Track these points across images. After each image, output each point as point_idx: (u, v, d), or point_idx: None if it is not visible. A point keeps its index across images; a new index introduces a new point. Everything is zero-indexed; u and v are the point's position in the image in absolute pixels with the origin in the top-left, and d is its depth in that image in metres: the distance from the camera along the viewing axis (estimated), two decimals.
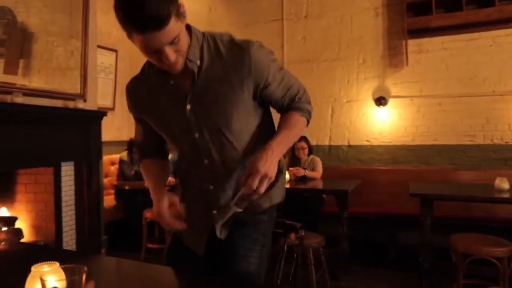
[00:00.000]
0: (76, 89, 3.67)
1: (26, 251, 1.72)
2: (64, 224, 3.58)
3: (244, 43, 1.24)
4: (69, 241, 3.63)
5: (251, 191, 1.12)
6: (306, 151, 4.10)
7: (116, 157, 4.83)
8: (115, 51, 5.37)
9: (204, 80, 1.23)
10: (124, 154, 4.68)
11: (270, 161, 1.15)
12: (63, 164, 3.57)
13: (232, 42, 1.25)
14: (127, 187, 4.38)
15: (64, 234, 3.57)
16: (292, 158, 4.16)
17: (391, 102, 4.39)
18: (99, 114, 3.87)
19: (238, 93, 1.24)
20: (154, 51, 1.09)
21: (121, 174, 4.66)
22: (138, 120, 1.48)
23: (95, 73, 4.02)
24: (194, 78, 1.23)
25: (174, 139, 1.36)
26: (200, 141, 1.27)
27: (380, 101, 4.37)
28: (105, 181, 4.65)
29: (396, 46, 4.37)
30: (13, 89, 3.04)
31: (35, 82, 3.28)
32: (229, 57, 1.23)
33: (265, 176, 1.13)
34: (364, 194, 4.10)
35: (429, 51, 4.23)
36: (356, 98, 4.56)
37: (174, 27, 1.05)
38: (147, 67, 1.35)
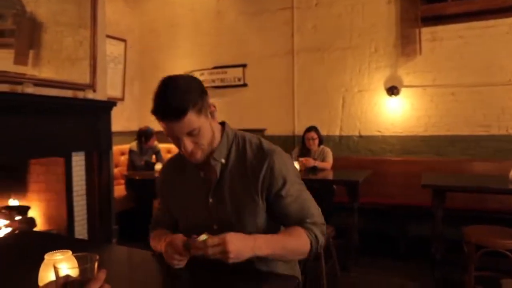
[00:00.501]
0: (86, 79, 3.70)
1: (39, 239, 1.76)
2: (75, 214, 3.64)
3: (269, 150, 1.33)
4: (80, 230, 3.70)
5: (202, 249, 1.12)
6: (317, 141, 4.09)
7: (126, 147, 4.88)
8: (124, 40, 5.39)
9: (228, 179, 1.33)
10: (133, 144, 4.71)
11: (242, 251, 1.14)
12: (74, 154, 3.62)
13: (259, 147, 1.34)
14: (137, 177, 4.42)
15: (75, 224, 3.64)
16: (303, 148, 4.16)
17: (403, 91, 4.34)
18: (108, 104, 3.91)
19: (256, 201, 1.30)
20: (175, 138, 1.24)
21: (131, 164, 4.70)
22: (161, 196, 1.53)
23: (105, 63, 4.04)
24: (217, 175, 1.33)
25: (189, 226, 1.38)
26: (217, 233, 1.27)
27: (392, 90, 4.33)
28: (115, 171, 4.70)
29: (409, 35, 4.31)
30: (23, 80, 3.08)
31: (45, 72, 3.32)
32: (253, 162, 1.31)
33: (225, 255, 1.11)
34: (375, 185, 4.09)
35: (444, 39, 4.17)
36: (367, 87, 4.53)
37: (193, 120, 1.19)
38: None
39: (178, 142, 1.25)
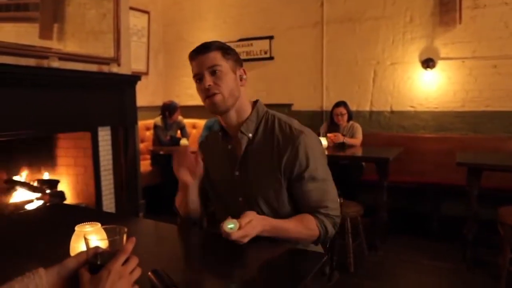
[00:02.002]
0: (110, 53, 3.77)
1: (69, 212, 1.85)
2: (103, 188, 3.79)
3: (298, 130, 1.37)
4: (108, 205, 3.85)
5: (226, 235, 1.16)
6: (346, 117, 4.06)
7: (151, 122, 4.97)
8: (147, 12, 5.42)
9: (253, 153, 1.39)
10: (158, 120, 4.79)
11: (252, 232, 1.19)
12: (100, 128, 3.73)
13: (289, 127, 1.39)
14: (162, 152, 4.51)
15: (103, 198, 3.79)
16: (331, 124, 4.13)
17: (439, 64, 4.21)
18: (133, 78, 3.98)
19: (279, 178, 1.35)
20: (199, 78, 1.35)
21: (156, 139, 4.80)
22: None
23: (128, 36, 4.10)
24: (242, 148, 1.40)
25: (219, 199, 1.51)
26: (242, 205, 1.36)
27: (428, 63, 4.20)
28: (141, 146, 4.82)
29: (448, 2, 4.12)
30: (49, 54, 3.17)
31: (70, 46, 3.40)
32: (280, 140, 1.36)
33: (242, 239, 1.16)
34: (406, 162, 4.04)
35: (487, 6, 3.98)
36: (401, 60, 4.41)
37: (217, 58, 1.33)
38: (219, 129, 1.50)
39: (200, 84, 1.35)
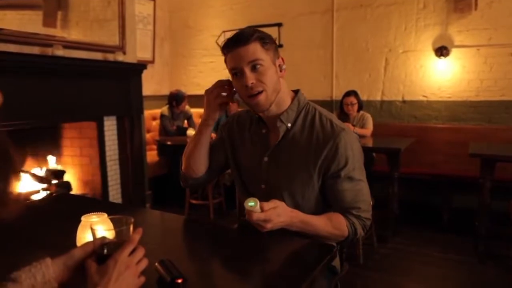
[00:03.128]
0: (115, 41, 3.77)
1: (75, 202, 1.88)
2: (109, 179, 3.82)
3: (339, 128, 1.35)
4: (114, 195, 3.89)
5: (248, 215, 1.16)
6: (356, 106, 4.03)
7: (157, 112, 4.98)
8: None
9: (289, 143, 1.37)
10: (164, 109, 4.79)
11: (278, 225, 1.19)
12: (105, 118, 3.75)
13: (330, 122, 1.36)
14: (169, 143, 4.53)
15: (109, 188, 3.82)
16: (341, 114, 4.12)
17: (454, 52, 4.16)
18: (139, 67, 3.98)
19: (311, 174, 1.34)
20: (238, 71, 1.29)
21: (163, 129, 4.80)
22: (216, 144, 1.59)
23: (134, 24, 4.09)
24: (279, 137, 1.38)
25: (242, 183, 1.50)
26: (263, 193, 1.34)
27: (441, 51, 4.15)
28: (147, 136, 4.84)
29: None
30: (53, 42, 3.17)
31: (74, 34, 3.40)
32: (320, 135, 1.34)
33: (263, 228, 1.16)
34: (418, 153, 4.02)
35: None
36: (413, 48, 4.36)
37: (258, 51, 1.27)
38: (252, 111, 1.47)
39: (241, 80, 1.29)
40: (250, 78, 1.27)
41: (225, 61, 1.33)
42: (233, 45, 1.28)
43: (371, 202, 1.41)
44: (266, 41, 1.29)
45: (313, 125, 1.37)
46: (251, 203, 1.16)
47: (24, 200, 3.19)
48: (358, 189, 1.35)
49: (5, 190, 0.50)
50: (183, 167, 1.56)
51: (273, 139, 1.41)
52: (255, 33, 1.28)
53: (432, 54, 4.25)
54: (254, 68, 1.27)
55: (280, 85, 1.35)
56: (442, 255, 3.15)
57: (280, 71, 1.35)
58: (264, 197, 1.24)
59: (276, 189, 1.37)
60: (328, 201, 1.38)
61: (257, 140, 1.45)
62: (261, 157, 1.41)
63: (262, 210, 1.16)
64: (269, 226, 1.16)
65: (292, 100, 1.40)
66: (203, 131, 1.47)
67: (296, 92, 1.43)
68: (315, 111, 1.40)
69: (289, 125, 1.38)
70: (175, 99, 4.72)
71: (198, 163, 1.51)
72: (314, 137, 1.35)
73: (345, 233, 1.31)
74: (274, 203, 1.19)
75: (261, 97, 1.30)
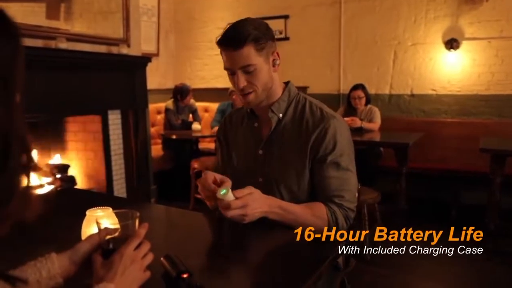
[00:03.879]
0: (119, 33, 3.77)
1: (80, 196, 1.89)
2: (114, 173, 3.84)
3: (329, 114, 1.38)
4: (119, 190, 3.91)
5: (224, 206, 1.18)
6: (364, 100, 4.02)
7: (162, 105, 4.99)
8: None
9: (281, 134, 1.41)
10: (169, 103, 4.81)
11: (257, 213, 1.21)
12: (110, 112, 3.76)
13: (320, 110, 1.40)
14: (174, 137, 4.54)
15: (114, 183, 3.84)
16: (348, 108, 4.10)
17: (464, 45, 4.12)
18: (143, 60, 3.98)
19: (303, 161, 1.36)
20: (231, 72, 1.34)
21: (168, 123, 4.81)
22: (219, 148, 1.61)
23: (138, 16, 4.09)
24: (271, 128, 1.41)
25: (239, 180, 1.41)
26: (261, 186, 1.33)
27: (452, 44, 4.12)
28: (152, 130, 4.85)
29: None
30: (56, 34, 3.18)
31: (78, 27, 3.40)
32: (309, 122, 1.38)
33: (242, 218, 1.18)
34: (427, 148, 4.00)
35: None
36: (423, 40, 4.32)
37: (251, 55, 1.29)
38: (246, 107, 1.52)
39: (233, 77, 1.34)
40: (242, 81, 1.32)
41: (221, 54, 1.36)
42: (226, 45, 1.31)
43: (356, 195, 1.41)
44: (261, 42, 1.30)
45: (303, 113, 1.41)
46: (223, 191, 1.15)
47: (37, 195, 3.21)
48: (345, 178, 1.36)
49: (28, 187, 0.51)
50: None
51: (266, 131, 1.44)
52: (250, 34, 1.28)
53: (442, 46, 4.21)
54: (246, 72, 1.31)
55: (272, 81, 1.38)
56: (450, 251, 3.14)
57: (273, 66, 1.37)
58: (261, 191, 1.26)
59: (273, 180, 1.39)
60: (314, 191, 1.39)
61: (250, 135, 1.48)
62: (256, 151, 1.44)
63: (235, 197, 1.17)
64: (248, 213, 1.18)
65: (283, 91, 1.44)
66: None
67: (286, 83, 1.47)
68: (305, 100, 1.44)
69: (280, 115, 1.42)
70: (180, 93, 4.72)
71: None
72: (304, 124, 1.38)
73: (324, 221, 1.31)
74: (248, 189, 1.21)
75: (251, 97, 1.35)
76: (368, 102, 4.07)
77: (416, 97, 4.42)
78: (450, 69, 4.22)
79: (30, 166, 0.52)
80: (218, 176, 1.27)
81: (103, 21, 3.63)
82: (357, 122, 3.84)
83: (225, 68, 1.36)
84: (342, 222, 1.34)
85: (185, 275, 0.89)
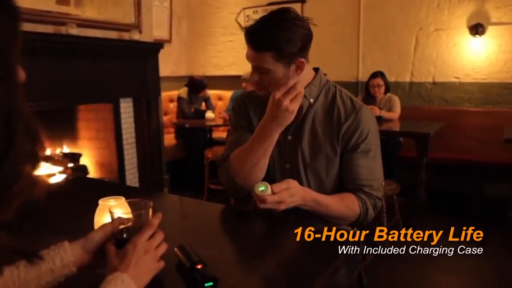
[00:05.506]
0: (130, 18, 3.78)
1: (92, 186, 1.91)
2: (126, 162, 3.87)
3: (360, 105, 1.42)
4: (132, 179, 3.94)
5: (260, 199, 1.18)
6: (383, 88, 3.98)
7: (174, 93, 4.99)
8: None
9: (311, 119, 1.42)
10: (182, 91, 4.80)
11: (293, 202, 1.22)
12: (121, 100, 3.79)
13: (350, 99, 1.44)
14: (187, 126, 4.55)
15: (126, 172, 3.88)
16: (367, 96, 4.06)
17: (490, 30, 4.03)
18: (155, 46, 3.99)
19: (334, 147, 1.39)
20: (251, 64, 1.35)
21: (180, 112, 4.82)
22: (236, 127, 1.55)
23: (150, 0, 4.08)
24: (302, 113, 1.40)
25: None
26: (288, 172, 1.37)
27: (477, 29, 4.03)
28: (165, 119, 4.87)
29: None
30: (67, 20, 3.19)
31: (88, 12, 3.41)
32: (341, 110, 1.40)
33: (277, 206, 1.19)
34: (449, 138, 3.95)
35: None
36: (446, 26, 4.24)
37: (268, 62, 1.29)
38: None
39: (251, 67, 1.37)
40: (254, 76, 1.36)
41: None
42: (248, 40, 1.32)
43: (383, 184, 1.45)
44: (283, 52, 1.27)
45: (334, 101, 1.43)
46: (262, 188, 1.16)
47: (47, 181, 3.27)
48: (373, 167, 1.40)
49: (33, 170, 0.51)
50: (241, 180, 1.39)
51: (296, 115, 1.37)
52: (273, 45, 1.26)
53: (466, 32, 4.13)
54: (260, 72, 1.33)
55: (291, 81, 1.31)
56: (470, 244, 3.11)
57: (296, 70, 1.34)
58: (287, 177, 1.27)
59: (301, 167, 1.40)
60: (342, 179, 1.41)
61: None
62: (285, 136, 1.42)
63: (273, 192, 1.18)
64: (283, 207, 1.20)
65: (314, 77, 1.45)
66: (272, 141, 1.32)
67: (316, 70, 1.48)
68: (335, 88, 1.47)
69: (312, 100, 1.42)
70: (197, 87, 4.71)
71: (263, 172, 1.38)
72: (335, 112, 1.41)
73: (356, 213, 1.35)
74: (286, 183, 1.22)
75: (263, 92, 1.38)
76: (387, 90, 4.03)
77: (438, 85, 4.35)
78: (475, 55, 4.14)
79: (36, 152, 0.52)
80: None
81: (114, 6, 3.63)
82: (376, 111, 3.80)
83: (246, 57, 1.37)
84: (371, 212, 1.38)
85: (199, 266, 0.90)
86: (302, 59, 1.34)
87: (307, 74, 1.42)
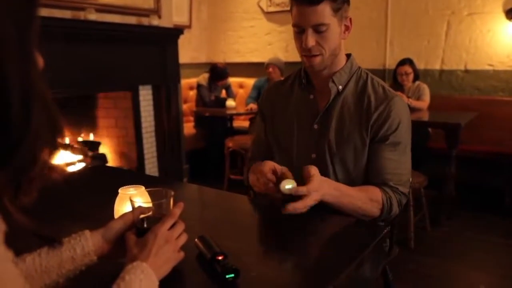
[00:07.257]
0: (150, 3, 3.79)
1: (112, 174, 1.95)
2: (145, 151, 3.92)
3: (392, 93, 1.39)
4: (151, 168, 3.99)
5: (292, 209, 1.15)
6: (411, 76, 3.92)
7: (194, 81, 5.00)
8: None
9: (339, 107, 1.39)
10: (201, 78, 4.79)
11: (319, 197, 1.18)
12: (140, 87, 3.82)
13: (383, 87, 1.40)
14: (207, 114, 4.56)
15: (146, 161, 3.93)
16: (394, 84, 4.00)
17: None
18: (175, 32, 4.00)
19: (363, 136, 1.36)
20: (300, 30, 1.32)
21: (200, 100, 4.82)
22: (262, 123, 1.57)
23: None
24: (329, 100, 1.39)
25: (286, 155, 1.46)
26: (313, 163, 1.31)
27: None
28: (184, 107, 4.89)
29: None
30: (85, 5, 3.22)
31: None
32: (371, 98, 1.37)
33: (305, 202, 1.15)
34: (480, 129, 3.86)
35: None
36: (481, 10, 4.13)
37: (326, 14, 1.27)
38: (293, 77, 1.54)
39: (300, 36, 1.33)
40: (311, 41, 1.30)
41: (290, 11, 1.35)
42: (302, 2, 1.28)
43: (410, 179, 1.42)
44: (338, 4, 1.29)
45: (365, 89, 1.40)
46: (289, 185, 1.15)
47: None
48: (402, 161, 1.37)
49: (51, 156, 0.52)
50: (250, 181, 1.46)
51: (322, 104, 1.41)
52: None
53: (503, 16, 4.01)
54: (317, 31, 1.30)
55: (339, 48, 1.37)
56: (502, 240, 3.06)
57: (344, 32, 1.37)
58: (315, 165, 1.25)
59: (328, 157, 1.38)
60: (367, 172, 1.38)
61: (304, 108, 1.45)
62: (310, 125, 1.41)
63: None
64: (309, 205, 1.17)
65: (345, 62, 1.42)
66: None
67: (348, 56, 1.45)
68: (367, 75, 1.44)
69: (340, 87, 1.40)
70: (221, 75, 4.70)
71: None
72: (366, 100, 1.38)
73: (379, 206, 1.31)
74: (313, 181, 1.17)
75: (317, 59, 1.34)
76: (416, 78, 3.96)
77: (471, 73, 4.25)
78: (511, 41, 4.02)
79: (55, 138, 0.52)
80: (278, 167, 1.25)
81: None
82: (404, 100, 3.74)
83: (294, 25, 1.34)
84: (395, 208, 1.34)
85: (220, 257, 0.91)
86: (350, 17, 1.37)
87: (338, 58, 1.40)
